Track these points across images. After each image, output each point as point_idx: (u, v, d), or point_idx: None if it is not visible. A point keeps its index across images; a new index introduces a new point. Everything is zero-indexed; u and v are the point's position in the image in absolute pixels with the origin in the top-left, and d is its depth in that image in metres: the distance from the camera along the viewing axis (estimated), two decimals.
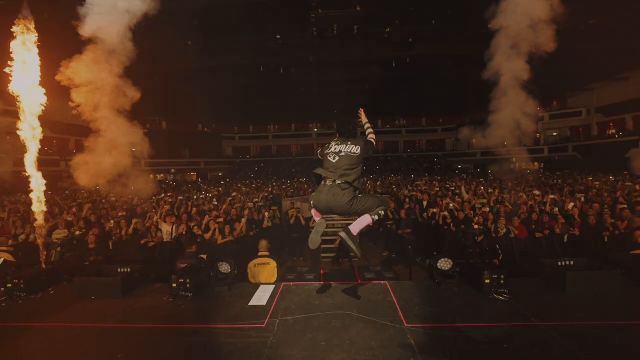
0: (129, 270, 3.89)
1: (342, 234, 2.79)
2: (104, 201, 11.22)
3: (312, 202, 2.92)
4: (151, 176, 29.20)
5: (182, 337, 2.78)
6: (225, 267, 3.72)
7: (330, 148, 2.89)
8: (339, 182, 2.75)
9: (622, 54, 16.73)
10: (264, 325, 2.92)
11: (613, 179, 13.52)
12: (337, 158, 2.81)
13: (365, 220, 2.83)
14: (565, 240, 6.33)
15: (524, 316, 2.97)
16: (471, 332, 2.74)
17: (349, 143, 2.84)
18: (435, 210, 8.00)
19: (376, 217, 2.82)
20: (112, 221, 7.14)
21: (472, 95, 17.73)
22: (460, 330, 2.77)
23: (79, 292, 3.62)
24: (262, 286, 3.84)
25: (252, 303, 3.39)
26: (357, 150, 2.81)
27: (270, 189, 15.05)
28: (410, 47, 15.90)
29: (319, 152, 3.06)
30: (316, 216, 3.05)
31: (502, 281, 3.38)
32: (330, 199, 2.76)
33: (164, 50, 14.58)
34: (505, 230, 6.28)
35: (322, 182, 2.86)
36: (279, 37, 15.41)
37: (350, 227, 2.84)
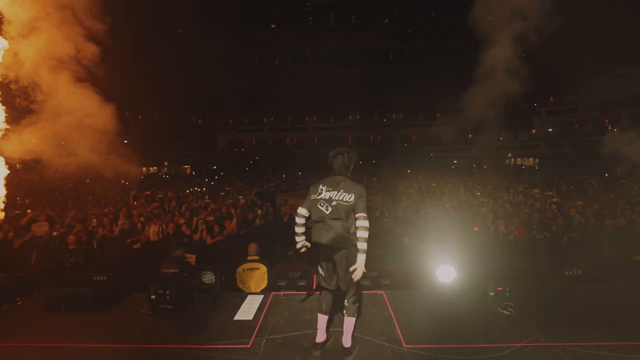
0: (104, 278, 3.57)
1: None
2: (90, 197, 10.78)
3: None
4: (143, 169, 28.67)
5: None
6: (209, 277, 3.43)
7: (320, 194, 2.49)
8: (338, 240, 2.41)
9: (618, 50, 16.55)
10: (248, 346, 2.65)
11: (607, 176, 13.44)
12: (329, 209, 2.42)
13: (352, 324, 2.57)
14: (565, 240, 6.17)
15: (533, 335, 2.74)
16: (477, 355, 2.51)
17: (341, 190, 2.43)
18: (431, 210, 7.77)
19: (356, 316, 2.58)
20: (95, 219, 6.78)
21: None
22: (465, 353, 2.54)
23: (47, 304, 3.31)
24: (249, 296, 3.57)
25: (237, 317, 3.12)
26: (350, 198, 2.40)
27: (263, 183, 14.72)
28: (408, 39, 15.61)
29: (306, 202, 2.57)
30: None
31: (507, 294, 3.15)
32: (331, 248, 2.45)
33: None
34: (504, 231, 6.07)
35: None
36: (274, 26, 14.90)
37: (345, 345, 2.54)
